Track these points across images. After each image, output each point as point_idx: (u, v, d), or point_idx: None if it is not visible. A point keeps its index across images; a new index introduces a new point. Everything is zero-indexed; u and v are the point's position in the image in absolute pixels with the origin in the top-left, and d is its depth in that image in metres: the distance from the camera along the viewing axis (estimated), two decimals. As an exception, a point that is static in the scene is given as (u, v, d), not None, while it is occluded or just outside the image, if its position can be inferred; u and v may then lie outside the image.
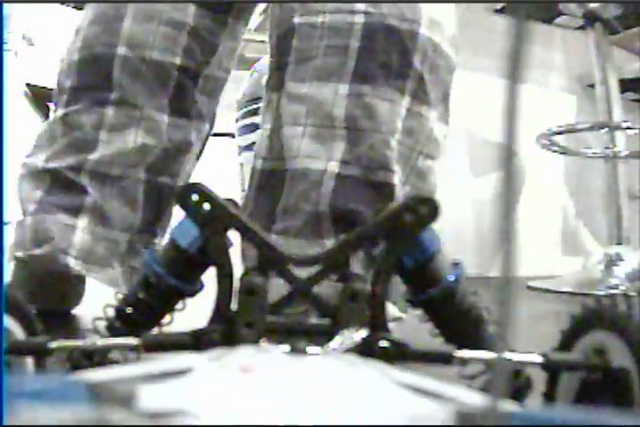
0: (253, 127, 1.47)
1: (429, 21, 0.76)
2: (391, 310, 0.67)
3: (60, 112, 0.87)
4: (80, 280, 0.88)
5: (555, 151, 1.96)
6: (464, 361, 0.39)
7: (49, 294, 0.85)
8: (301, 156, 0.72)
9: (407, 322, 0.70)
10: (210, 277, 0.42)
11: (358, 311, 0.39)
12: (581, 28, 2.06)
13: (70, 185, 0.83)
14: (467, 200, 2.05)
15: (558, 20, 2.16)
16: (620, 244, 1.79)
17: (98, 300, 0.49)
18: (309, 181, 0.71)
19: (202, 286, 0.43)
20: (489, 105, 1.76)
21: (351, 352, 0.37)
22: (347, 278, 0.40)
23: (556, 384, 0.39)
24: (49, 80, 0.95)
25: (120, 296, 0.44)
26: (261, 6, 1.85)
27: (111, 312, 0.43)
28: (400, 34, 0.74)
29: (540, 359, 0.38)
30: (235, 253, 0.42)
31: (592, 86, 1.97)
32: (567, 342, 0.40)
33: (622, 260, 1.74)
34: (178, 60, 0.87)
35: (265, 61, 0.90)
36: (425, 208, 0.40)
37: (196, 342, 0.39)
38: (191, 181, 0.89)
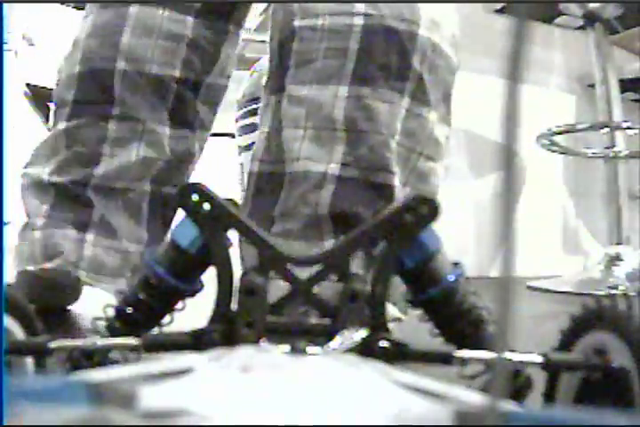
0: (253, 127, 1.47)
1: (429, 21, 0.76)
2: (391, 310, 0.67)
3: (63, 125, 0.88)
4: (78, 280, 0.89)
5: (555, 151, 1.96)
6: (464, 361, 0.39)
7: (46, 291, 0.86)
8: (302, 158, 0.72)
9: (407, 322, 0.70)
10: (210, 277, 0.42)
11: (358, 311, 0.39)
12: (581, 28, 2.05)
13: (76, 199, 0.85)
14: (467, 200, 2.05)
15: (558, 20, 2.16)
16: (620, 244, 1.79)
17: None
18: (309, 184, 0.71)
19: (202, 286, 0.43)
20: (489, 105, 1.76)
21: (351, 352, 0.37)
22: (347, 279, 0.40)
23: (556, 384, 0.39)
24: (49, 80, 0.95)
25: (120, 296, 0.44)
26: (261, 7, 1.85)
27: (111, 312, 0.43)
28: (399, 35, 0.74)
29: (540, 359, 0.38)
30: (235, 253, 0.42)
31: (592, 86, 1.97)
32: (567, 342, 0.40)
33: (622, 260, 1.74)
34: (177, 73, 0.88)
35: (265, 61, 0.90)
36: (425, 208, 0.40)
37: (195, 342, 0.39)
38: (191, 181, 0.89)
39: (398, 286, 0.46)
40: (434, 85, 0.76)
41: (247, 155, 1.55)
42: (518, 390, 0.42)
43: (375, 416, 0.22)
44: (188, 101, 0.90)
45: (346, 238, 0.41)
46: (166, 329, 0.43)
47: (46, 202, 0.86)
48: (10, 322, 0.39)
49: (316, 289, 0.41)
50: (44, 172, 0.87)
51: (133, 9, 0.87)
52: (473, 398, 0.25)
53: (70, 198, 0.85)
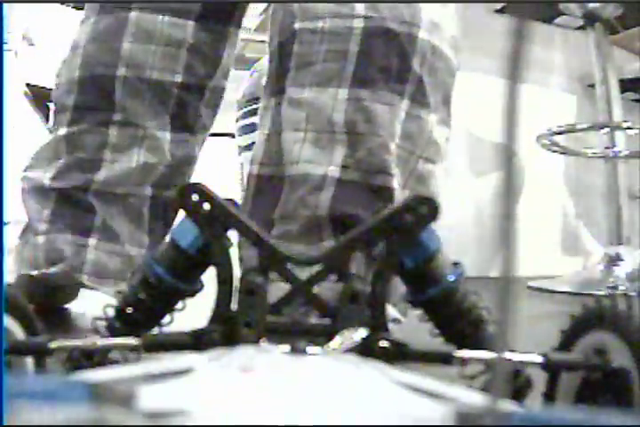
0: (253, 127, 1.47)
1: (429, 23, 0.76)
2: (390, 312, 0.67)
3: (64, 131, 0.88)
4: (80, 283, 0.89)
5: (555, 151, 1.96)
6: (464, 361, 0.39)
7: (47, 293, 0.86)
8: (302, 161, 0.72)
9: (407, 322, 0.70)
10: (210, 277, 0.42)
11: (358, 311, 0.39)
12: (581, 28, 2.05)
13: (78, 205, 0.86)
14: (467, 200, 2.05)
15: (558, 20, 2.16)
16: (620, 244, 1.79)
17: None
18: (309, 187, 0.71)
19: (202, 286, 0.43)
20: (489, 105, 1.76)
21: (351, 352, 0.37)
22: (347, 279, 0.40)
23: (555, 384, 0.39)
24: (49, 80, 0.95)
25: (120, 296, 0.44)
26: (261, 7, 1.84)
27: (111, 312, 0.43)
28: (399, 37, 0.74)
29: (540, 359, 0.38)
30: (235, 254, 0.42)
31: (592, 86, 1.97)
32: (567, 342, 0.40)
33: (622, 260, 1.74)
34: (179, 78, 0.89)
35: (265, 61, 0.90)
36: (425, 208, 0.40)
37: (196, 342, 0.39)
38: (191, 181, 0.90)
39: (398, 287, 0.46)
40: (433, 88, 0.76)
41: (247, 155, 1.55)
42: (518, 390, 0.42)
43: (375, 416, 0.22)
44: (190, 106, 0.91)
45: (346, 238, 0.41)
46: (166, 329, 0.43)
47: (48, 207, 0.86)
48: (10, 322, 0.39)
49: (315, 289, 0.41)
50: (45, 177, 0.88)
51: (133, 14, 0.87)
52: (473, 398, 0.25)
53: (72, 204, 0.86)
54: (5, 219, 0.90)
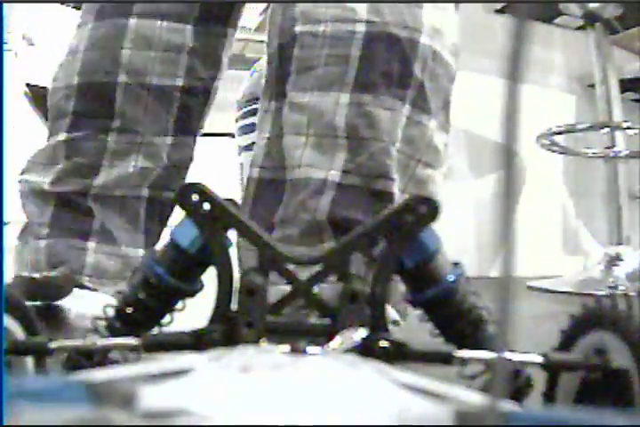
0: (253, 127, 1.47)
1: (431, 29, 0.76)
2: (390, 313, 0.67)
3: (63, 137, 0.89)
4: (80, 285, 0.90)
5: (555, 151, 1.96)
6: (464, 361, 0.39)
7: (45, 293, 0.87)
8: (303, 165, 0.72)
9: (407, 322, 0.70)
10: (210, 277, 0.42)
11: (358, 311, 0.39)
12: (581, 28, 2.05)
13: (77, 209, 0.88)
14: (467, 200, 2.05)
15: (558, 20, 2.16)
16: (620, 244, 1.79)
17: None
18: (310, 191, 0.71)
19: (202, 285, 0.43)
20: (489, 105, 1.76)
21: (351, 352, 0.37)
22: (347, 279, 0.40)
23: (555, 384, 0.39)
24: (49, 80, 0.95)
25: (120, 296, 0.44)
26: (261, 7, 1.84)
27: (111, 312, 0.43)
28: (401, 42, 0.74)
29: (540, 359, 0.38)
30: (235, 254, 0.42)
31: (592, 86, 1.97)
32: (567, 342, 0.40)
33: (622, 260, 1.74)
34: (180, 82, 0.90)
35: (265, 62, 0.90)
36: (425, 208, 0.40)
37: (196, 342, 0.39)
38: (191, 181, 0.90)
39: (397, 288, 0.46)
40: (434, 93, 0.76)
41: (247, 155, 1.56)
42: (518, 390, 0.42)
43: (375, 416, 0.22)
44: (194, 109, 0.92)
45: (346, 239, 0.41)
46: (166, 329, 0.43)
47: (47, 211, 0.88)
48: (10, 322, 0.39)
49: (315, 289, 0.41)
50: (44, 181, 0.88)
51: (132, 21, 0.88)
52: (473, 398, 0.25)
53: (71, 208, 0.88)
54: (5, 219, 0.91)
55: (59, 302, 0.92)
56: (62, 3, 1.96)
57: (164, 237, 0.94)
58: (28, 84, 1.90)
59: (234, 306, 0.40)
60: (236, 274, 0.40)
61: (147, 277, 0.42)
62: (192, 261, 0.42)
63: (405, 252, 0.41)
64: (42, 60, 1.85)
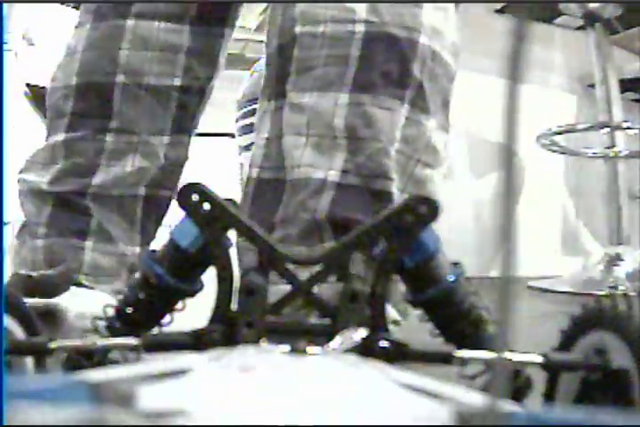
0: (253, 127, 1.47)
1: (430, 29, 0.76)
2: (390, 313, 0.67)
3: (62, 137, 0.90)
4: (78, 283, 0.90)
5: (555, 151, 1.96)
6: (464, 361, 0.39)
7: (43, 292, 0.88)
8: (303, 165, 0.72)
9: (407, 322, 0.70)
10: (210, 277, 0.42)
11: (358, 311, 0.39)
12: (581, 28, 2.06)
13: (75, 208, 0.88)
14: (467, 200, 2.05)
15: (558, 20, 2.16)
16: (620, 244, 1.79)
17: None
18: (309, 190, 0.71)
19: (202, 285, 0.43)
20: (489, 105, 1.76)
21: (351, 352, 0.37)
22: (347, 279, 0.40)
23: (555, 384, 0.39)
24: (49, 80, 0.96)
25: (120, 296, 0.44)
26: (261, 7, 1.84)
27: (111, 312, 0.43)
28: (400, 42, 0.74)
29: (540, 359, 0.38)
30: (234, 254, 0.42)
31: (592, 86, 1.97)
32: (567, 342, 0.40)
33: (622, 260, 1.74)
34: (178, 82, 0.90)
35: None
36: (425, 208, 0.40)
37: (195, 342, 0.39)
38: (191, 181, 0.90)
39: (398, 288, 0.46)
40: (433, 93, 0.76)
41: (247, 155, 1.56)
42: (518, 390, 0.42)
43: (375, 416, 0.22)
44: (190, 108, 0.93)
45: (346, 239, 0.41)
46: (166, 329, 0.43)
47: (46, 210, 0.89)
48: (10, 322, 0.39)
49: (315, 289, 0.41)
50: (42, 181, 0.90)
51: (130, 22, 0.89)
52: (473, 398, 0.25)
53: (69, 207, 0.89)
54: (5, 219, 0.92)
55: (56, 300, 0.93)
56: (62, 3, 1.96)
57: (160, 236, 0.95)
58: (28, 84, 1.90)
59: (234, 306, 0.40)
60: (236, 274, 0.40)
61: (147, 277, 0.42)
62: (192, 261, 0.42)
63: (405, 252, 0.41)
64: (42, 60, 1.85)
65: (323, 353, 0.32)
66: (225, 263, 0.41)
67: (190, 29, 0.90)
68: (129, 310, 0.43)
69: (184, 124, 0.93)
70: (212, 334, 0.39)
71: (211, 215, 0.40)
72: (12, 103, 1.75)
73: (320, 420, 0.21)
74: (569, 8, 1.89)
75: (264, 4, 1.38)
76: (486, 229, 2.04)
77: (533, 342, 0.48)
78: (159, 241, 0.44)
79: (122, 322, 0.43)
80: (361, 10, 0.74)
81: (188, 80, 0.91)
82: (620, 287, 1.60)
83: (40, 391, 0.21)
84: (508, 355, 0.35)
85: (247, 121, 1.60)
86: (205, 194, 0.40)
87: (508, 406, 0.22)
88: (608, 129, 1.82)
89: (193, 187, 0.41)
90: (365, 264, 0.56)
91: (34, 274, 0.86)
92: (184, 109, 0.92)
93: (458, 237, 1.93)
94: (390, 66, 0.74)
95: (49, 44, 1.87)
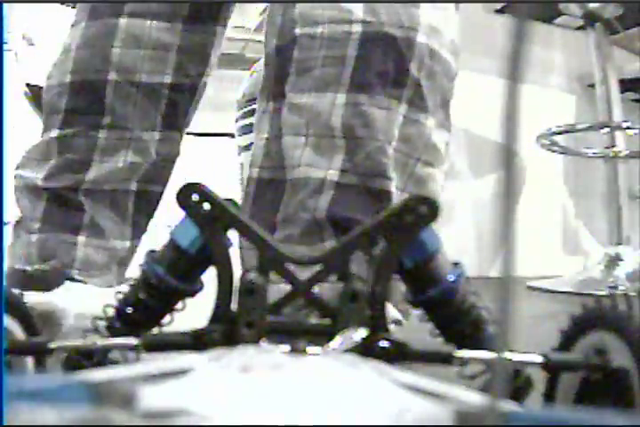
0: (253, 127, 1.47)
1: (427, 28, 0.76)
2: (391, 312, 0.67)
3: (55, 133, 0.92)
4: (71, 278, 0.92)
5: (555, 151, 1.96)
6: (464, 361, 0.39)
7: (37, 287, 0.89)
8: (302, 165, 0.73)
9: (407, 322, 0.70)
10: (210, 277, 0.42)
11: (358, 311, 0.39)
12: (581, 28, 2.06)
13: (68, 204, 0.90)
14: (467, 200, 2.05)
15: (558, 20, 2.16)
16: (620, 244, 1.79)
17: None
18: (309, 190, 0.72)
19: (202, 285, 0.43)
20: (489, 105, 1.76)
21: (351, 352, 0.37)
22: (347, 279, 0.40)
23: (556, 384, 0.39)
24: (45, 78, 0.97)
25: (120, 296, 0.44)
26: (261, 7, 1.84)
27: (111, 312, 0.43)
28: (397, 42, 0.74)
29: (540, 359, 0.38)
30: (235, 254, 0.42)
31: (592, 86, 1.97)
32: (567, 342, 0.40)
33: (622, 260, 1.74)
34: (168, 79, 0.92)
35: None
36: (425, 208, 0.40)
37: (195, 342, 0.39)
38: (191, 181, 0.91)
39: (399, 288, 0.46)
40: (432, 91, 0.77)
41: (247, 155, 1.56)
42: (518, 390, 0.42)
43: (375, 416, 0.22)
44: (180, 105, 0.95)
45: (346, 239, 0.41)
46: (166, 329, 0.43)
47: (40, 206, 0.91)
48: (10, 322, 0.39)
49: (316, 289, 0.41)
50: (37, 177, 0.92)
51: (122, 21, 0.90)
52: (473, 398, 0.25)
53: (63, 203, 0.90)
54: (5, 219, 0.93)
55: (52, 297, 0.94)
56: (62, 3, 1.96)
57: (157, 234, 0.97)
58: (27, 84, 1.90)
59: (234, 306, 0.40)
60: (237, 274, 0.40)
61: (147, 277, 0.42)
62: (192, 261, 0.42)
63: (405, 252, 0.41)
64: (42, 60, 1.85)
65: (323, 353, 0.32)
66: (225, 263, 0.41)
67: (182, 28, 0.91)
68: (129, 310, 0.43)
69: (175, 121, 0.95)
70: (212, 334, 0.39)
71: (211, 215, 0.40)
72: (12, 103, 1.75)
73: (320, 420, 0.21)
74: (569, 8, 1.89)
75: (264, 4, 1.38)
76: (486, 229, 2.04)
77: (533, 342, 0.48)
78: (159, 241, 0.44)
79: (122, 322, 0.43)
80: (358, 10, 0.74)
81: (178, 77, 0.92)
82: (620, 287, 1.60)
83: (40, 391, 0.21)
84: (508, 355, 0.35)
85: (247, 121, 1.60)
86: (205, 194, 0.40)
87: (508, 406, 0.22)
88: (608, 129, 1.82)
89: (193, 187, 0.41)
90: (365, 264, 0.57)
91: (28, 268, 0.87)
92: (175, 106, 0.93)
93: (458, 237, 1.93)
94: (387, 65, 0.74)
95: (49, 44, 1.87)
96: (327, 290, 0.43)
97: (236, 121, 1.66)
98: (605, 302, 0.38)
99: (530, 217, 1.93)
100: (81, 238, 0.89)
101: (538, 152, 1.90)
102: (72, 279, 0.90)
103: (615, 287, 1.59)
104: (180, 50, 0.91)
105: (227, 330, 0.39)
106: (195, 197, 0.40)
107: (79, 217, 0.90)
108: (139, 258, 0.94)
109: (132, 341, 0.39)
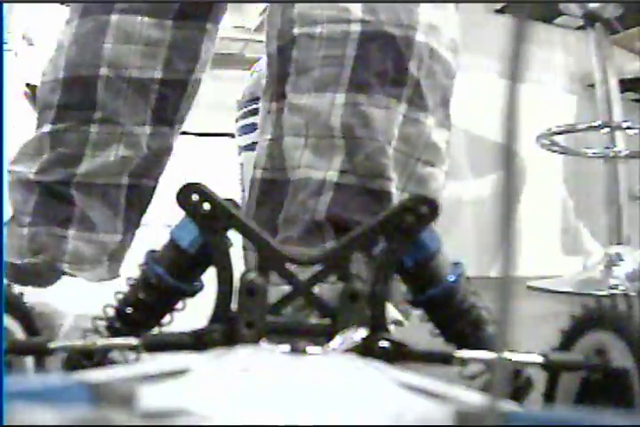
0: (253, 127, 1.47)
1: (427, 26, 0.76)
2: (392, 312, 0.67)
3: (48, 128, 0.93)
4: (61, 272, 0.92)
5: (555, 151, 1.96)
6: (464, 361, 0.39)
7: (29, 281, 0.90)
8: (303, 166, 0.73)
9: (407, 322, 0.70)
10: (210, 277, 0.42)
11: (358, 311, 0.39)
12: (581, 28, 2.05)
13: (60, 197, 0.91)
14: (467, 200, 2.05)
15: (558, 20, 2.16)
16: (620, 244, 1.79)
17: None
18: (309, 191, 0.72)
19: (202, 286, 0.43)
20: (489, 105, 1.76)
21: (351, 352, 0.37)
22: (347, 279, 0.40)
23: (555, 384, 0.39)
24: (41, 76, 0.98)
25: (120, 296, 0.44)
26: (261, 7, 1.84)
27: (111, 312, 0.43)
28: (396, 41, 0.74)
29: (540, 359, 0.38)
30: (235, 254, 0.42)
31: (592, 86, 1.97)
32: (567, 342, 0.40)
33: (622, 260, 1.74)
34: (159, 75, 0.93)
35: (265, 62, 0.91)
36: (425, 208, 0.40)
37: (196, 342, 0.39)
38: (191, 181, 0.91)
39: (400, 288, 0.46)
40: (431, 90, 0.76)
41: (247, 155, 1.56)
42: (518, 390, 0.42)
43: (375, 416, 0.22)
44: (170, 101, 0.96)
45: (346, 239, 0.41)
46: (166, 329, 0.43)
47: (31, 200, 0.92)
48: (10, 322, 0.39)
49: (316, 289, 0.41)
50: (30, 171, 0.92)
51: (114, 17, 0.91)
52: (473, 398, 0.25)
53: (54, 197, 0.91)
54: (5, 219, 0.93)
55: (49, 296, 0.94)
56: (62, 3, 1.96)
57: (143, 224, 0.97)
58: (27, 84, 1.90)
59: (234, 306, 0.40)
60: (237, 274, 0.40)
61: (147, 277, 0.42)
62: (192, 261, 0.42)
63: (405, 252, 0.41)
64: (42, 60, 1.85)
65: (323, 353, 0.32)
66: (225, 263, 0.41)
67: (172, 24, 0.92)
68: (129, 310, 0.43)
69: (165, 116, 0.95)
70: (212, 334, 0.39)
71: (211, 215, 0.40)
72: (12, 103, 1.75)
73: (320, 420, 0.21)
74: (569, 8, 1.89)
75: (264, 4, 1.38)
76: (486, 229, 2.04)
77: (533, 342, 0.48)
78: (158, 241, 0.44)
79: (122, 322, 0.43)
80: (356, 9, 0.74)
81: (168, 73, 0.93)
82: (620, 287, 1.60)
83: (40, 391, 0.21)
84: (508, 355, 0.35)
85: (247, 121, 1.60)
86: (205, 194, 0.40)
87: (508, 406, 0.22)
88: (608, 129, 1.82)
89: (193, 187, 0.41)
90: (365, 264, 0.57)
91: (18, 262, 0.88)
92: (165, 101, 0.94)
93: (458, 237, 1.93)
94: (386, 64, 0.74)
95: (49, 44, 1.87)
96: (327, 290, 0.43)
97: (236, 121, 1.66)
98: (605, 302, 0.38)
99: (530, 217, 1.93)
100: (71, 232, 0.90)
101: (538, 152, 1.90)
102: (62, 273, 0.91)
103: (615, 287, 1.59)
104: (170, 46, 0.92)
105: (227, 330, 0.39)
106: (195, 198, 0.40)
107: (70, 211, 0.91)
108: (132, 254, 0.95)
109: (132, 341, 0.39)
